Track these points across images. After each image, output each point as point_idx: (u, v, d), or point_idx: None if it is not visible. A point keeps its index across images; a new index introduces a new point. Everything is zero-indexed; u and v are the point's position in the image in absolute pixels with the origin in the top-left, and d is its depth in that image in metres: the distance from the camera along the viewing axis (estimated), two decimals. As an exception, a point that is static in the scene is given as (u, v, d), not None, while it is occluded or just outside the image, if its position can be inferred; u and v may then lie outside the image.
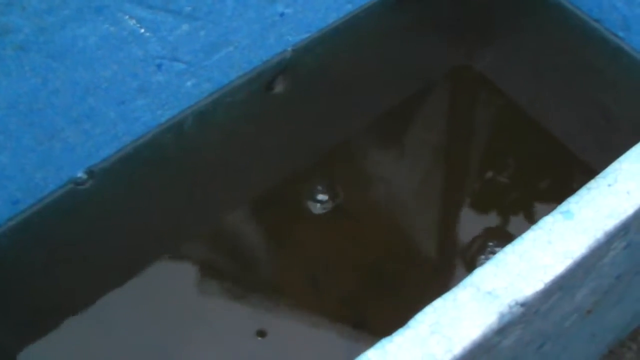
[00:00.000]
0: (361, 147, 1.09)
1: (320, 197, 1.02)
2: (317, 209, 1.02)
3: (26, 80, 0.92)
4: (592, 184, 0.62)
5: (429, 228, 1.01)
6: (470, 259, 0.97)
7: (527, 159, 1.06)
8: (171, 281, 0.99)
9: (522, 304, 0.57)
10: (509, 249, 0.59)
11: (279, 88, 1.09)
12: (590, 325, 0.82)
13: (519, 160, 1.06)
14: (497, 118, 1.11)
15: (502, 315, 0.56)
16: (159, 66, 1.01)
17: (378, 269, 0.98)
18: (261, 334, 0.94)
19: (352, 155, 1.08)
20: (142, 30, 0.97)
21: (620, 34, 1.10)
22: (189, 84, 1.06)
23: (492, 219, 1.01)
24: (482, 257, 0.96)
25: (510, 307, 0.57)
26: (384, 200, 1.04)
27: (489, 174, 1.05)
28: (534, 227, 0.60)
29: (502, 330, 0.57)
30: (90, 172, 1.04)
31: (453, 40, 1.18)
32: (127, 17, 0.95)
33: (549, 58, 1.13)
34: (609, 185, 0.62)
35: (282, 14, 1.09)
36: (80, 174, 1.03)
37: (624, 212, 0.60)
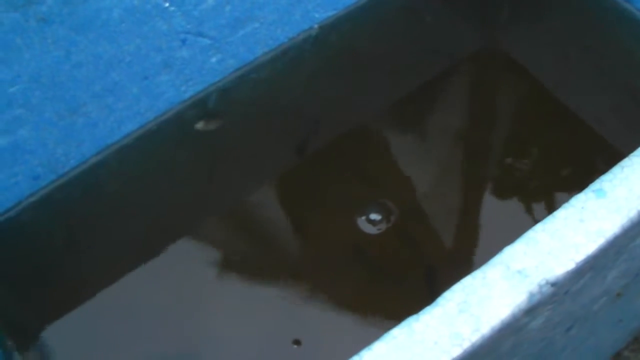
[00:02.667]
0: (383, 128, 1.08)
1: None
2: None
3: (49, 53, 0.91)
4: (626, 162, 0.61)
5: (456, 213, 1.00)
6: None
7: (553, 143, 1.04)
8: (191, 259, 0.98)
9: (553, 284, 0.56)
10: (540, 227, 0.58)
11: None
12: (618, 310, 0.81)
13: (544, 144, 1.05)
14: (522, 101, 1.10)
15: (531, 295, 0.55)
16: (184, 41, 1.00)
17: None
18: (280, 317, 0.94)
19: (376, 137, 1.07)
20: (167, 4, 0.96)
21: (653, 15, 1.09)
22: (213, 59, 1.05)
23: (518, 204, 1.00)
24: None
25: (541, 286, 0.56)
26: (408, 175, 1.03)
27: (514, 158, 1.04)
28: (566, 205, 0.59)
29: (532, 310, 0.56)
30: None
31: (479, 20, 1.17)
32: (151, -10, 0.94)
33: (577, 39, 1.12)
34: (644, 163, 0.61)
35: (309, -9, 1.08)
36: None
37: (659, 191, 0.59)
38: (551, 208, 0.98)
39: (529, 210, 0.99)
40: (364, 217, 0.99)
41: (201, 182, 1.04)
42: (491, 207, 1.00)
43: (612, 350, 1.00)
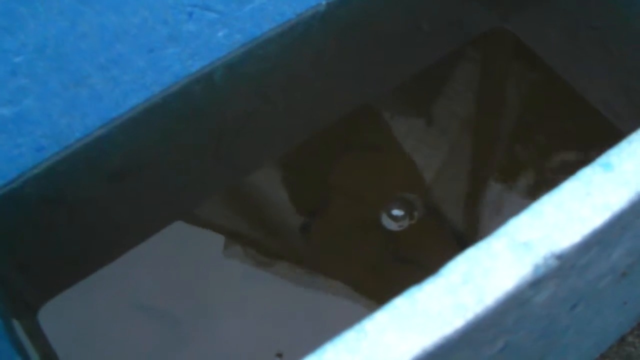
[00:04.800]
0: (393, 109, 1.07)
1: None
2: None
3: (54, 23, 0.90)
4: (634, 136, 0.60)
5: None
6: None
7: (560, 125, 1.04)
8: (192, 238, 0.98)
9: (558, 257, 0.55)
10: (546, 199, 0.57)
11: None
12: (623, 291, 0.80)
13: (552, 127, 1.04)
14: (529, 83, 1.10)
15: (537, 267, 0.55)
16: (190, 14, 1.00)
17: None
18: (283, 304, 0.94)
19: (384, 117, 1.06)
20: (174, -24, 0.96)
21: (664, -4, 1.08)
22: (220, 34, 1.04)
23: (524, 186, 0.99)
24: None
25: (546, 259, 0.55)
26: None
27: (521, 141, 1.03)
28: (572, 178, 0.59)
29: (537, 283, 0.56)
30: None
31: (488, 0, 1.16)
32: (158, -39, 0.94)
33: (587, 21, 1.11)
34: (653, 138, 0.60)
35: (318, -35, 1.07)
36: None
37: (668, 165, 0.59)
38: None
39: (537, 193, 0.98)
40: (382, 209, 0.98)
41: (207, 157, 1.03)
42: (499, 192, 1.00)
43: (616, 335, 1.00)
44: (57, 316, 0.94)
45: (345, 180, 1.01)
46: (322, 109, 1.07)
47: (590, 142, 1.03)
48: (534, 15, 1.14)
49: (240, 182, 1.02)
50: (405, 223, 0.97)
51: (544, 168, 1.01)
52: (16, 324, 0.92)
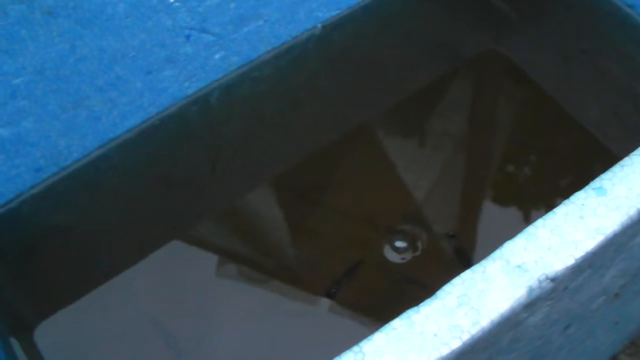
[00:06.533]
0: (386, 129, 1.08)
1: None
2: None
3: (54, 46, 0.91)
4: (626, 161, 0.61)
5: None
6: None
7: (552, 146, 1.05)
8: (188, 257, 0.99)
9: (552, 279, 0.56)
10: (540, 222, 0.59)
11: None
12: (615, 312, 0.81)
13: (544, 148, 1.05)
14: (522, 104, 1.10)
15: (531, 290, 0.56)
16: (188, 37, 1.01)
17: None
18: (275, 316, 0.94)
19: (377, 138, 1.07)
20: (172, 0, 0.96)
21: (654, 20, 1.09)
22: (217, 56, 1.05)
23: (518, 208, 1.00)
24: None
25: (540, 281, 0.56)
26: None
27: (514, 161, 1.04)
28: (566, 202, 0.60)
29: (531, 305, 0.57)
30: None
31: (480, 23, 1.17)
32: (157, -15, 0.95)
33: (578, 43, 1.12)
34: (644, 162, 0.61)
35: (313, -10, 1.08)
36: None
37: (659, 190, 0.60)
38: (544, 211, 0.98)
39: (528, 213, 0.99)
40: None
41: (203, 178, 1.04)
42: (492, 211, 1.01)
43: (608, 354, 1.01)
44: (53, 334, 0.94)
45: (341, 200, 1.02)
46: (317, 129, 1.08)
47: (581, 161, 1.03)
48: (526, 38, 1.15)
49: (236, 202, 1.03)
50: (409, 255, 0.98)
51: (536, 187, 1.02)
52: (13, 341, 0.92)
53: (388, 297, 0.95)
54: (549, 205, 0.99)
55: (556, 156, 1.04)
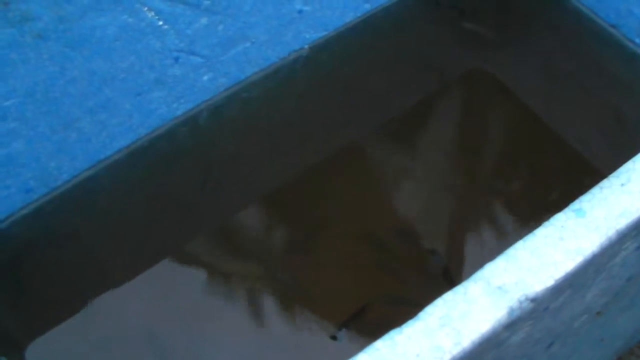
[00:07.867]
0: (374, 148, 1.09)
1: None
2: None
3: (44, 69, 0.92)
4: (605, 183, 0.62)
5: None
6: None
7: (538, 163, 1.06)
8: (179, 276, 0.99)
9: (532, 300, 0.57)
10: (520, 244, 0.59)
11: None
12: (599, 329, 0.82)
13: (530, 164, 1.06)
14: (509, 121, 1.11)
15: (512, 310, 0.57)
16: (176, 59, 1.02)
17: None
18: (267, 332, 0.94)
19: (366, 156, 1.08)
20: (161, 23, 0.97)
21: (637, 40, 1.10)
22: (205, 78, 1.06)
23: (503, 222, 1.01)
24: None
25: (520, 302, 0.57)
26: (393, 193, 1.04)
27: (499, 179, 1.05)
28: (546, 223, 0.61)
29: (512, 325, 0.58)
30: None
31: (467, 43, 1.18)
32: (145, 8, 0.95)
33: (564, 62, 1.13)
34: (622, 184, 0.62)
35: (300, 11, 1.09)
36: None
37: (637, 211, 0.60)
38: (530, 226, 0.99)
39: (514, 229, 1.00)
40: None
41: (191, 198, 1.04)
42: (478, 227, 1.01)
43: (595, 370, 1.01)
44: (45, 354, 0.94)
45: (330, 218, 1.02)
46: (306, 149, 1.08)
47: (567, 179, 1.04)
48: (512, 57, 1.16)
49: (226, 220, 1.03)
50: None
51: (522, 204, 1.03)
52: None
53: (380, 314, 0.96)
54: (536, 221, 1.00)
55: (542, 173, 1.05)
